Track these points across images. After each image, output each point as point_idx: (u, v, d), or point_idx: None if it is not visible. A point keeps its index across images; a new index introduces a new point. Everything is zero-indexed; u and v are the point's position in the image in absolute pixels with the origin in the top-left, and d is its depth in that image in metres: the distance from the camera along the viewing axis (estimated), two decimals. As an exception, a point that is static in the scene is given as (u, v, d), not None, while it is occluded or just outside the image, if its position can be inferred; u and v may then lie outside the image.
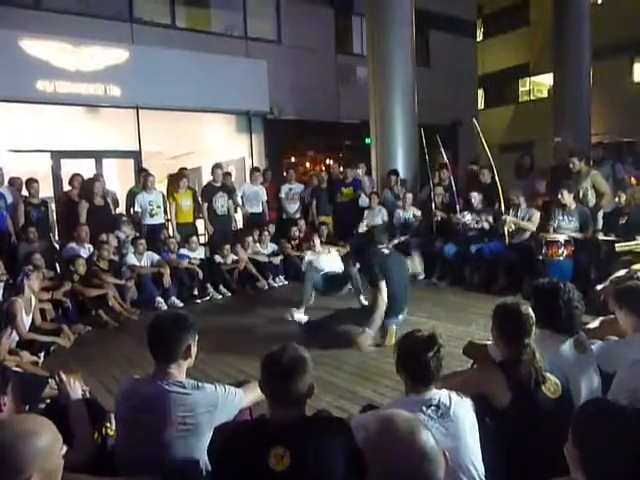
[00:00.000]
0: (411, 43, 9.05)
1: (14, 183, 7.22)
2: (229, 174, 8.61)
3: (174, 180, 8.23)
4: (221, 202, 7.97)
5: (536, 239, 5.98)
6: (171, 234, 7.54)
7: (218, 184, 8.05)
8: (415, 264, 6.15)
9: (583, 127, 12.60)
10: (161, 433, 1.89)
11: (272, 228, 8.07)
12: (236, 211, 8.50)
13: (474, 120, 7.18)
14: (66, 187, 7.77)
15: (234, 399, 2.08)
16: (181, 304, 6.52)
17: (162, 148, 11.15)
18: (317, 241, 7.15)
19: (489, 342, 2.50)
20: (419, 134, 7.55)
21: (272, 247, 7.81)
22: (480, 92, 18.24)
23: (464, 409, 1.91)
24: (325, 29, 12.29)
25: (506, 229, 6.30)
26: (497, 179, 6.57)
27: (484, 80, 18.18)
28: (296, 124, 11.46)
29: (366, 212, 8.24)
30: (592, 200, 6.46)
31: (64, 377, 2.20)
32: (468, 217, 7.02)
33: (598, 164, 7.84)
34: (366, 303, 5.21)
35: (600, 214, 6.41)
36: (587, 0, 12.93)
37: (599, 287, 4.07)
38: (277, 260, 7.59)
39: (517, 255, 6.23)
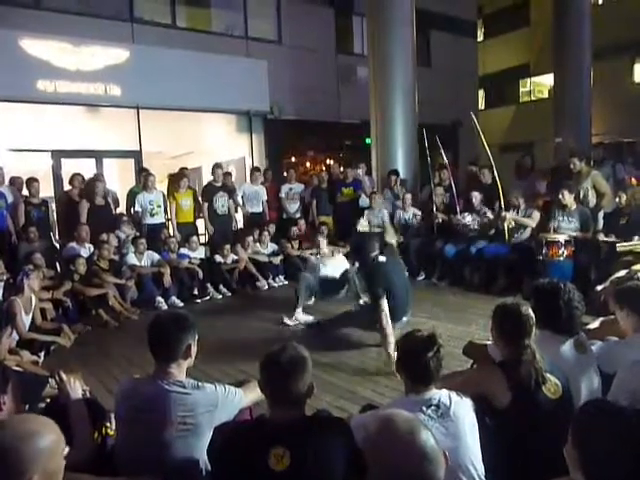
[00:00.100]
0: (412, 43, 9.05)
1: (15, 183, 7.23)
2: (229, 174, 8.62)
3: (174, 180, 8.24)
4: (221, 202, 7.97)
5: (536, 239, 5.98)
6: (171, 234, 7.54)
7: (218, 184, 8.06)
8: None
9: (584, 127, 12.59)
10: (161, 433, 1.89)
11: (272, 228, 8.07)
12: (236, 211, 8.51)
13: (472, 115, 7.15)
14: (66, 187, 7.77)
15: (234, 399, 2.08)
16: (181, 304, 6.52)
17: (162, 148, 11.16)
18: (323, 242, 6.90)
19: (489, 342, 2.50)
20: (420, 134, 7.54)
21: (272, 247, 7.81)
22: (481, 92, 18.23)
23: (464, 409, 1.91)
24: (325, 29, 12.28)
25: (506, 225, 6.30)
26: (497, 178, 6.57)
27: (485, 80, 18.18)
28: (296, 124, 11.46)
29: (366, 212, 8.24)
30: (592, 200, 6.46)
31: (64, 376, 2.20)
32: (469, 218, 7.03)
33: (598, 164, 7.84)
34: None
35: (600, 214, 6.41)
36: (588, 0, 12.92)
37: (599, 287, 4.07)
38: (277, 260, 7.59)
39: (517, 255, 6.22)
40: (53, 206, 7.53)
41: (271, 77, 10.58)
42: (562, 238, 5.60)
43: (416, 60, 9.26)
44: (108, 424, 2.19)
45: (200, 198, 8.05)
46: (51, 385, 2.89)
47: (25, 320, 4.59)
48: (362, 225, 7.99)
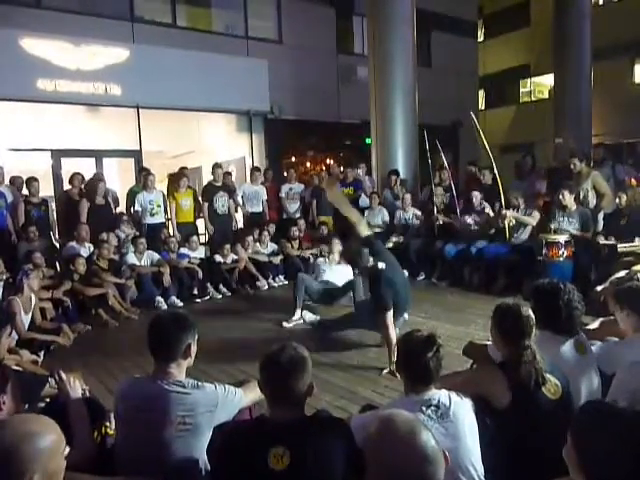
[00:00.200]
0: (412, 43, 9.06)
1: (15, 182, 7.23)
2: (229, 174, 8.62)
3: (174, 179, 8.24)
4: (222, 202, 7.97)
5: (536, 240, 5.98)
6: (171, 233, 7.54)
7: (219, 184, 8.06)
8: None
9: (584, 128, 12.60)
10: (161, 432, 1.89)
11: (272, 228, 8.06)
12: (236, 211, 8.51)
13: (472, 115, 7.14)
14: (66, 186, 7.77)
15: (234, 399, 2.08)
16: (181, 304, 6.51)
17: (163, 147, 11.16)
18: (337, 247, 6.33)
19: (489, 342, 2.50)
20: (421, 135, 7.54)
21: (272, 247, 7.81)
22: (481, 92, 18.23)
23: (464, 409, 1.91)
24: (326, 29, 12.29)
25: (506, 223, 6.30)
26: (497, 177, 6.56)
27: (485, 81, 18.19)
28: (296, 124, 11.47)
29: (366, 212, 8.25)
30: (592, 201, 6.46)
31: (64, 376, 2.20)
32: (469, 220, 7.04)
33: (599, 165, 7.83)
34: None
35: (600, 215, 6.41)
36: (588, 0, 12.93)
37: (599, 288, 4.06)
38: (277, 260, 7.58)
39: (517, 256, 6.23)
40: (53, 205, 7.53)
41: (271, 77, 10.59)
42: (562, 239, 5.59)
43: (416, 60, 9.27)
44: (108, 423, 2.19)
45: (200, 198, 8.05)
46: (51, 384, 2.89)
47: (25, 319, 4.59)
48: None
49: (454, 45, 14.40)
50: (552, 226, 5.94)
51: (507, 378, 2.01)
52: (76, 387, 2.19)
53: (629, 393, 1.94)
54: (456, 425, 1.84)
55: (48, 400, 2.62)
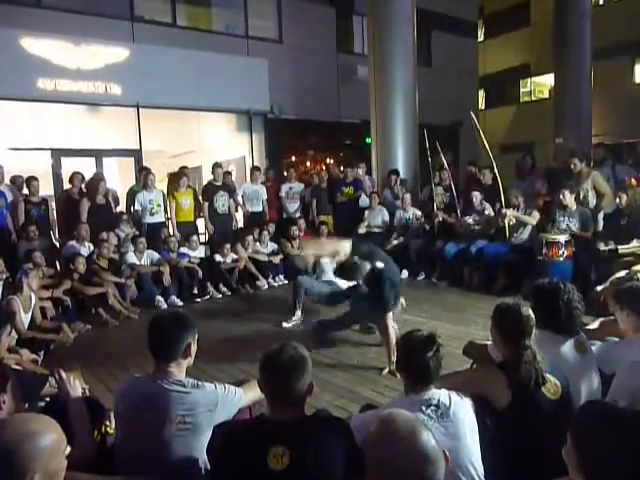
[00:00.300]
0: (412, 43, 9.06)
1: (16, 181, 7.22)
2: (229, 173, 8.62)
3: (174, 179, 8.24)
4: (222, 201, 7.97)
5: (536, 239, 5.98)
6: (171, 233, 7.54)
7: (219, 183, 8.06)
8: None
9: (584, 128, 12.60)
10: (161, 432, 1.88)
11: (272, 227, 8.06)
12: (237, 210, 8.51)
13: (472, 115, 7.15)
14: (66, 185, 7.77)
15: (234, 398, 2.08)
16: (181, 303, 6.52)
17: (163, 147, 11.16)
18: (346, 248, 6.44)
19: (489, 342, 2.50)
20: (422, 134, 7.54)
21: (272, 246, 7.81)
22: (481, 92, 18.24)
23: (464, 409, 1.91)
24: (326, 28, 12.29)
25: (506, 222, 6.30)
26: (498, 177, 6.56)
27: (485, 80, 18.20)
28: (296, 123, 11.47)
29: (366, 212, 8.25)
30: (592, 201, 6.46)
31: (64, 375, 2.20)
32: (470, 220, 7.04)
33: (599, 165, 7.83)
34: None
35: (600, 215, 6.41)
36: (588, 0, 12.93)
37: (599, 288, 4.06)
38: (277, 259, 7.59)
39: (517, 255, 6.23)
40: (53, 205, 7.53)
41: (271, 76, 10.58)
42: (562, 238, 5.59)
43: (416, 60, 9.27)
44: (108, 423, 2.19)
45: (200, 197, 8.06)
46: (51, 384, 2.89)
47: (24, 319, 4.59)
48: (361, 229, 8.00)
49: (454, 45, 14.40)
50: (552, 226, 5.94)
51: (507, 378, 2.01)
52: (76, 386, 2.19)
53: (629, 393, 1.94)
54: (456, 425, 1.84)
55: (48, 399, 2.62)
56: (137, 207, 7.51)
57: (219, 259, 7.15)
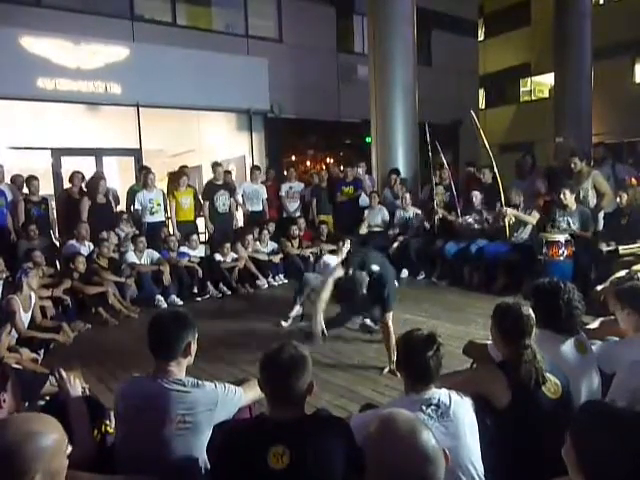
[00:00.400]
0: (412, 42, 9.05)
1: (16, 181, 7.21)
2: (229, 172, 8.63)
3: (174, 178, 8.25)
4: (222, 200, 7.98)
5: (536, 239, 5.98)
6: (171, 232, 7.54)
7: (220, 182, 8.07)
8: None
9: (584, 127, 12.60)
10: (161, 431, 1.88)
11: (272, 227, 8.07)
12: (237, 209, 8.51)
13: (472, 114, 7.14)
14: (66, 184, 7.76)
15: (234, 397, 2.08)
16: (181, 302, 6.51)
17: (163, 146, 11.15)
18: (347, 245, 6.20)
19: (489, 342, 2.50)
20: (425, 132, 7.53)
21: (272, 245, 7.81)
22: (481, 92, 18.23)
23: (464, 408, 1.91)
24: (326, 28, 12.29)
25: (507, 221, 6.30)
26: (497, 176, 6.55)
27: (485, 80, 18.19)
28: (297, 123, 11.47)
29: (366, 211, 8.25)
30: (593, 201, 6.46)
31: (64, 374, 2.20)
32: (470, 220, 7.04)
33: (599, 164, 7.82)
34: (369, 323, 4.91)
35: (601, 215, 6.41)
36: (588, 0, 12.92)
37: (599, 287, 4.06)
38: (277, 259, 7.59)
39: (517, 255, 6.23)
40: (53, 204, 7.53)
41: (271, 76, 10.58)
42: (562, 238, 5.59)
43: (417, 59, 9.27)
44: (108, 422, 2.19)
45: (201, 196, 8.06)
46: (51, 382, 2.89)
47: (24, 318, 4.59)
48: (362, 228, 8.00)
49: (454, 44, 14.39)
50: (551, 225, 5.93)
51: (507, 377, 2.01)
52: (76, 385, 2.19)
53: (629, 392, 1.94)
54: (456, 424, 1.84)
55: (48, 398, 2.62)
56: (137, 206, 7.50)
57: (219, 258, 7.15)
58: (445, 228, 7.41)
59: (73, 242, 6.63)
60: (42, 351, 4.56)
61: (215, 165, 8.19)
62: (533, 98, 19.29)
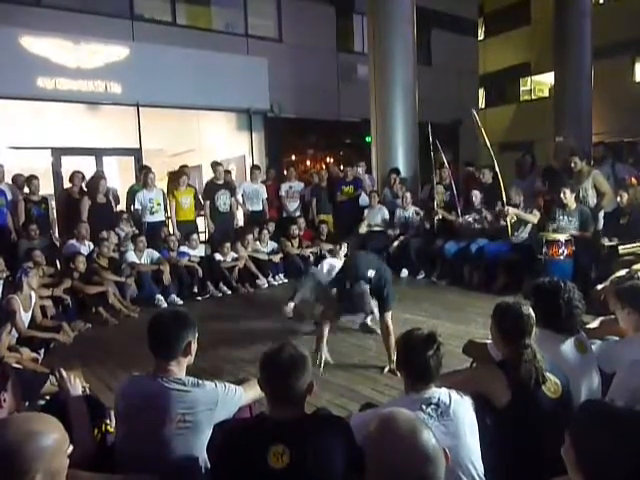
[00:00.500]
0: (412, 41, 9.05)
1: (17, 180, 7.21)
2: (229, 172, 8.63)
3: (174, 178, 8.25)
4: (223, 199, 7.98)
5: (536, 238, 5.98)
6: (171, 232, 7.54)
7: (220, 181, 8.08)
8: None
9: (584, 126, 12.59)
10: (161, 430, 1.89)
11: (272, 226, 8.07)
12: (237, 209, 8.51)
13: (474, 112, 7.14)
14: (66, 184, 7.76)
15: (234, 397, 2.09)
16: (181, 302, 6.51)
17: (163, 145, 11.15)
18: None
19: (489, 341, 2.50)
20: (425, 130, 7.53)
21: (272, 245, 7.81)
22: (481, 91, 18.23)
23: (464, 408, 1.91)
24: (326, 27, 12.29)
25: (508, 220, 6.30)
26: (499, 175, 6.54)
27: (485, 79, 18.19)
28: (296, 122, 11.46)
29: (366, 211, 8.25)
30: (592, 200, 6.46)
31: (64, 373, 2.20)
32: (470, 219, 7.04)
33: (599, 163, 7.82)
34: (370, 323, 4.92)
35: (601, 214, 6.41)
36: (588, -1, 12.93)
37: (599, 287, 4.06)
38: (277, 258, 7.59)
39: (517, 254, 6.22)
40: (53, 203, 7.53)
41: (271, 75, 10.58)
42: (562, 237, 5.59)
43: (416, 58, 9.26)
44: (108, 421, 2.19)
45: (201, 196, 8.07)
46: (51, 382, 2.89)
47: (24, 317, 4.59)
48: (362, 228, 8.00)
49: (454, 43, 14.39)
50: (552, 224, 5.93)
51: (507, 377, 2.01)
52: (76, 385, 2.19)
53: (629, 392, 1.94)
54: (456, 423, 1.84)
55: (48, 398, 2.62)
56: (137, 206, 7.50)
57: (219, 258, 7.15)
58: (445, 228, 7.41)
59: (73, 242, 6.63)
60: (42, 351, 4.55)
61: (215, 165, 8.20)
62: (533, 97, 19.29)
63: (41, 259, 5.85)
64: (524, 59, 18.69)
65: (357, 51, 12.80)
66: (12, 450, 1.23)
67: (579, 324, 2.48)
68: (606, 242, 5.66)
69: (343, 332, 4.85)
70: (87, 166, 8.71)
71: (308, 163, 12.88)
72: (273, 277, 7.46)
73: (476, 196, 7.15)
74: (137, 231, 7.23)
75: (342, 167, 10.00)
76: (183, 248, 7.11)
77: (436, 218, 7.46)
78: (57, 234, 7.45)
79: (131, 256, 6.66)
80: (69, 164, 8.83)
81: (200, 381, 2.02)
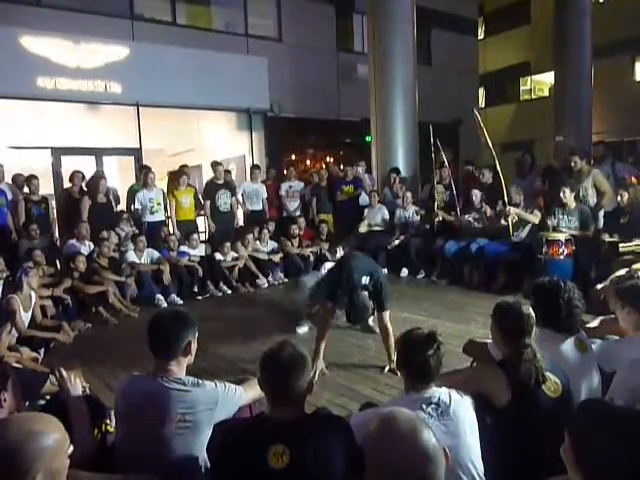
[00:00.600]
0: (412, 41, 9.05)
1: (17, 180, 7.21)
2: (229, 171, 8.63)
3: (174, 177, 8.25)
4: (224, 199, 7.98)
5: (536, 238, 5.97)
6: (171, 231, 7.54)
7: (221, 181, 8.08)
8: None
9: (584, 126, 12.59)
10: (161, 430, 1.89)
11: (272, 226, 8.07)
12: (237, 208, 8.52)
13: (476, 112, 7.14)
14: (66, 184, 7.77)
15: (234, 396, 2.09)
16: (181, 301, 6.51)
17: (163, 145, 11.16)
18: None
19: (489, 341, 2.50)
20: (427, 131, 7.53)
21: (272, 245, 7.81)
22: (481, 90, 18.23)
23: (464, 407, 1.91)
24: (326, 27, 12.28)
25: (510, 220, 6.30)
26: (500, 175, 6.54)
27: (485, 78, 18.19)
28: (296, 122, 11.46)
29: (366, 210, 8.25)
30: (592, 199, 6.46)
31: (64, 373, 2.20)
32: (470, 219, 7.04)
33: (599, 163, 7.82)
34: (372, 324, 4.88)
35: (601, 213, 6.41)
36: (588, -2, 12.92)
37: (599, 286, 4.06)
38: (277, 258, 7.58)
39: (517, 254, 6.22)
40: (53, 203, 7.53)
41: (271, 75, 10.58)
42: (562, 237, 5.59)
43: (416, 58, 9.26)
44: (108, 421, 2.19)
45: (201, 195, 8.07)
46: (51, 382, 2.90)
47: (24, 317, 4.59)
48: (362, 227, 8.00)
49: (454, 43, 14.39)
50: (551, 223, 5.93)
51: (507, 376, 2.01)
52: (76, 384, 2.19)
53: (629, 391, 1.94)
54: (456, 423, 1.84)
55: (48, 397, 2.62)
56: (137, 206, 7.50)
57: (219, 257, 7.15)
58: (445, 227, 7.41)
59: (73, 241, 6.63)
60: (42, 350, 4.55)
61: (215, 164, 8.20)
62: (533, 97, 19.28)
63: (41, 259, 5.85)
64: (524, 58, 18.68)
65: (357, 51, 12.80)
66: (13, 450, 1.23)
67: (579, 323, 2.48)
68: (607, 238, 5.66)
69: (343, 332, 4.85)
70: (87, 166, 8.71)
71: (308, 163, 12.88)
72: (273, 277, 7.46)
73: (476, 195, 7.14)
74: (137, 231, 7.23)
75: (342, 167, 9.99)
76: (183, 248, 7.11)
77: (436, 220, 7.46)
78: (57, 234, 7.45)
79: (131, 256, 6.66)
80: (69, 164, 8.84)
81: (200, 381, 2.02)
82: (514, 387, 1.98)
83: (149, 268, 6.61)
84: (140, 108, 9.50)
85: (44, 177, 8.01)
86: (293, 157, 12.45)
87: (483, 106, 18.87)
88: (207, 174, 9.42)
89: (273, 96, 10.78)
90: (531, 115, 17.25)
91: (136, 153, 9.75)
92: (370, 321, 4.87)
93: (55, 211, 7.47)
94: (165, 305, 6.35)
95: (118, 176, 10.53)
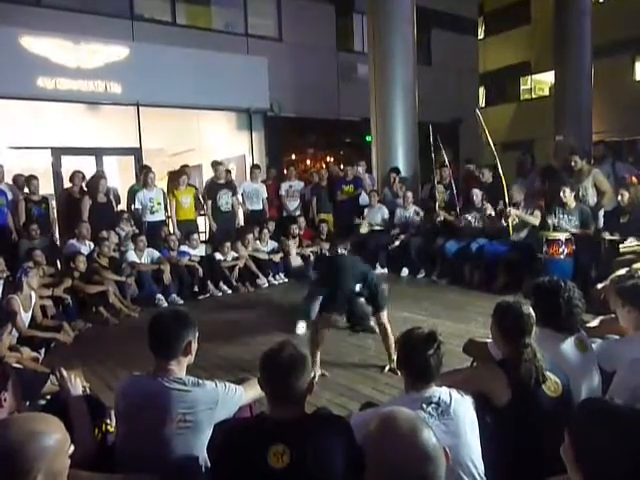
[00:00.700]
0: (412, 41, 9.05)
1: (17, 181, 7.21)
2: (229, 171, 8.63)
3: (174, 177, 8.25)
4: (225, 199, 7.98)
5: (537, 237, 5.97)
6: (171, 231, 7.54)
7: (222, 181, 8.08)
8: None
9: (584, 125, 12.59)
10: (161, 430, 1.89)
11: (272, 226, 8.07)
12: (238, 208, 8.52)
13: (477, 112, 7.14)
14: (67, 184, 7.77)
15: (234, 396, 2.09)
16: (181, 301, 6.51)
17: (163, 145, 11.16)
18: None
19: (489, 340, 2.50)
20: (426, 131, 7.54)
21: (272, 244, 7.81)
22: (481, 90, 18.22)
23: (464, 407, 1.91)
24: (326, 26, 12.28)
25: (510, 221, 6.29)
26: (502, 175, 6.53)
27: (485, 78, 18.18)
28: (296, 121, 11.46)
29: (366, 210, 8.25)
30: (593, 199, 6.45)
31: (65, 373, 2.20)
32: (470, 218, 7.03)
33: (599, 162, 7.82)
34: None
35: (601, 213, 6.41)
36: (588, -2, 12.91)
37: (599, 286, 4.06)
38: (277, 257, 7.59)
39: (518, 254, 6.22)
40: (53, 203, 7.53)
41: (271, 74, 10.57)
42: (563, 236, 5.59)
43: (416, 58, 9.26)
44: (108, 421, 2.19)
45: (201, 195, 8.07)
46: (52, 382, 2.89)
47: (25, 317, 4.59)
48: (363, 227, 8.00)
49: (454, 43, 14.38)
50: (551, 222, 5.93)
51: (507, 376, 2.01)
52: (77, 384, 2.19)
53: (630, 390, 1.94)
54: (457, 422, 1.84)
55: (49, 397, 2.62)
56: (137, 205, 7.50)
57: (219, 257, 7.15)
58: (446, 227, 7.41)
59: (74, 241, 6.63)
60: (43, 350, 4.56)
61: (215, 164, 8.20)
62: (533, 96, 19.28)
63: (41, 259, 5.85)
64: (524, 58, 18.67)
65: (357, 50, 12.79)
66: (14, 450, 1.23)
67: (579, 323, 2.48)
68: (607, 236, 5.66)
69: (343, 332, 4.85)
70: (87, 166, 8.71)
71: (308, 162, 12.87)
72: (273, 276, 7.46)
73: (476, 195, 7.14)
74: (137, 231, 7.23)
75: (342, 166, 10.00)
76: (183, 247, 7.11)
77: (438, 220, 7.45)
78: (58, 234, 7.45)
79: (131, 256, 6.66)
80: (69, 164, 8.84)
81: (200, 381, 2.02)
82: (514, 387, 1.98)
83: (149, 268, 6.61)
84: (140, 108, 9.50)
85: (44, 177, 8.01)
86: (293, 157, 12.44)
87: (483, 105, 18.87)
88: (207, 174, 9.42)
89: (273, 96, 10.78)
90: (531, 115, 17.25)
91: (136, 153, 9.75)
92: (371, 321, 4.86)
93: (55, 211, 7.47)
94: (165, 305, 6.35)
95: (118, 176, 10.52)
